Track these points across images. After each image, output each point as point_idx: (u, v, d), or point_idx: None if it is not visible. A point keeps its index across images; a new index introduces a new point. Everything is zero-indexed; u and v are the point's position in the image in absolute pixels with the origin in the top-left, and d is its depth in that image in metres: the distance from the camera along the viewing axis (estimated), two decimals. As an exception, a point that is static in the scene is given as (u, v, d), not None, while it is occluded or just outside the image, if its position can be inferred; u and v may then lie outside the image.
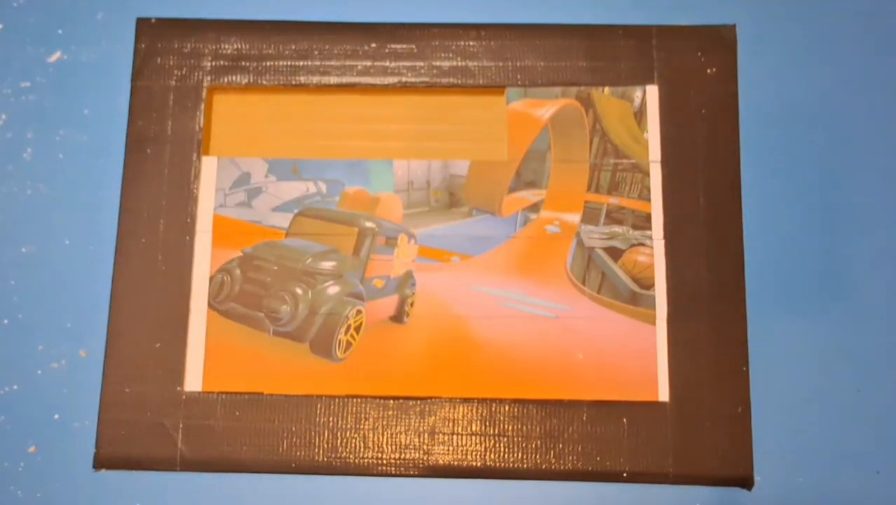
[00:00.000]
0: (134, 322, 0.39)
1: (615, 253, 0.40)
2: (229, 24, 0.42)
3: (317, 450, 0.38)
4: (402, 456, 0.38)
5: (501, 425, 0.38)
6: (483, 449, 0.38)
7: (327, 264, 0.40)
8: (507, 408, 0.38)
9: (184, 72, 0.42)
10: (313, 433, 0.38)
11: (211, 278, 0.40)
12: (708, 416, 0.38)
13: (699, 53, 0.41)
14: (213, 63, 0.42)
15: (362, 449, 0.38)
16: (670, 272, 0.39)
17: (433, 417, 0.38)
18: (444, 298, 0.39)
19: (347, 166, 0.41)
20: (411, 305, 0.39)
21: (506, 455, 0.38)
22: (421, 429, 0.38)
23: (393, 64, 0.42)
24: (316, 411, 0.38)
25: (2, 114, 0.42)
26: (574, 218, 0.40)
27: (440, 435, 0.38)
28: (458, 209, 0.41)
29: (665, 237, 0.40)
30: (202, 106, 0.41)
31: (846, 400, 0.39)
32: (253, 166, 0.41)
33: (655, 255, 0.40)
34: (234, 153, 0.42)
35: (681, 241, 0.40)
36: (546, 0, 0.43)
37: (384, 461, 0.38)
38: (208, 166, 0.41)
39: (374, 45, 0.42)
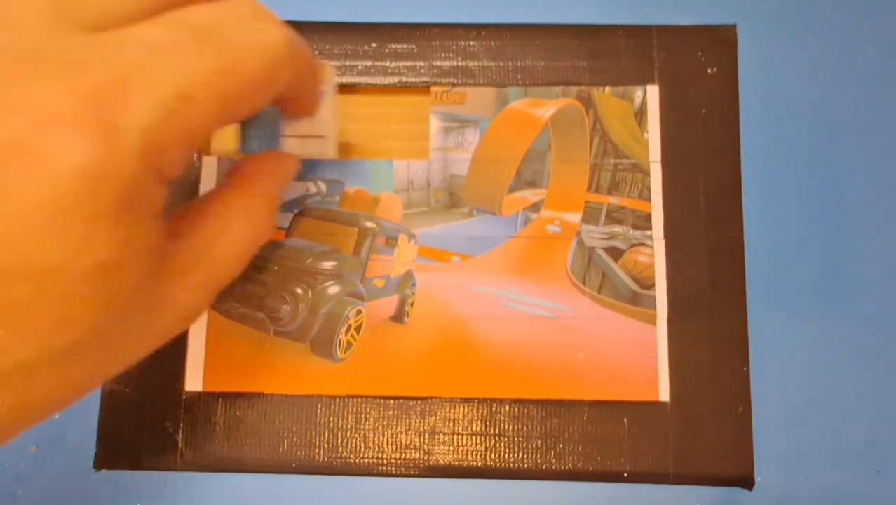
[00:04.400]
0: (134, 322, 0.39)
1: (615, 253, 0.40)
2: (229, 23, 0.42)
3: (317, 450, 0.38)
4: (403, 456, 0.38)
5: (502, 425, 0.38)
6: (483, 449, 0.38)
7: (328, 264, 0.40)
8: (507, 408, 0.38)
9: (184, 72, 0.42)
10: (314, 433, 0.38)
11: (211, 278, 0.40)
12: (708, 416, 0.38)
13: (699, 53, 0.41)
14: (213, 63, 0.42)
15: (362, 449, 0.38)
16: (670, 272, 0.39)
17: (433, 417, 0.38)
18: (445, 298, 0.39)
19: (347, 166, 0.41)
20: (411, 305, 0.39)
21: (506, 455, 0.38)
22: (421, 429, 0.38)
23: (393, 64, 0.42)
24: (316, 411, 0.38)
25: (2, 114, 0.42)
26: (574, 218, 0.40)
27: (440, 435, 0.38)
28: (458, 209, 0.41)
29: (665, 237, 0.40)
30: (202, 106, 0.41)
31: (846, 400, 0.39)
32: (253, 166, 0.41)
33: (655, 255, 0.40)
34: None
35: (681, 241, 0.40)
36: (546, 0, 0.43)
37: (384, 461, 0.38)
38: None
39: (374, 45, 0.42)
